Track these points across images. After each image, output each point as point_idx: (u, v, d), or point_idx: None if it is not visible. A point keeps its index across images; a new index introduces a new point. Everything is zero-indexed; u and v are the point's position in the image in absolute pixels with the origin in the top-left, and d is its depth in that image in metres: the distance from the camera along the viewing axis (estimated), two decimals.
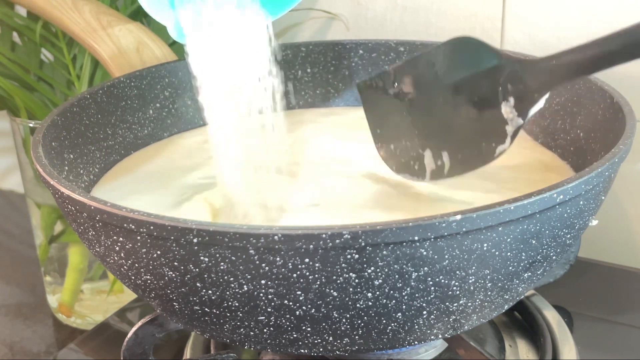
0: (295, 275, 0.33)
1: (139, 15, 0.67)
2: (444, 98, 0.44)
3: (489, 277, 0.35)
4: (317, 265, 0.32)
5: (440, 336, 0.39)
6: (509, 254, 0.35)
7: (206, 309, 0.36)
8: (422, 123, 0.45)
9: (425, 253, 0.32)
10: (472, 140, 0.42)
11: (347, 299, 0.34)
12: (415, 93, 0.45)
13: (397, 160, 0.47)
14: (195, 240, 0.32)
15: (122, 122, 0.54)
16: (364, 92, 0.49)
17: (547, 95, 0.39)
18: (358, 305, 0.34)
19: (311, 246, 0.31)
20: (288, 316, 0.35)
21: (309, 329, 0.36)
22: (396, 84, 0.46)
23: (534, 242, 0.35)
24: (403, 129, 0.46)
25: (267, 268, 0.33)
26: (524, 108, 0.39)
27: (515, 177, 0.47)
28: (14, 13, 0.64)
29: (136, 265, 0.36)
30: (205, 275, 0.34)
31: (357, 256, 0.32)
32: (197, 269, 0.34)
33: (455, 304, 0.36)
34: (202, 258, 0.33)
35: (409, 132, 0.46)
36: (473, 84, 0.42)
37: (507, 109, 0.40)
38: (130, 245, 0.35)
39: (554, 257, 0.38)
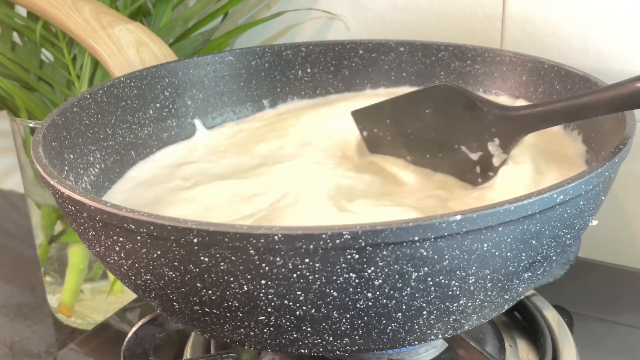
0: (295, 275, 0.33)
1: (139, 15, 0.67)
2: (435, 134, 0.49)
3: (489, 277, 0.35)
4: (317, 265, 0.32)
5: (440, 336, 0.39)
6: (509, 254, 0.35)
7: (206, 309, 0.36)
8: (417, 152, 0.51)
9: (425, 253, 0.32)
10: (462, 169, 0.48)
11: (347, 299, 0.34)
12: (409, 126, 0.50)
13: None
14: (195, 240, 0.32)
15: (122, 122, 0.54)
16: (358, 118, 0.54)
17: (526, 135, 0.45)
18: (358, 305, 0.34)
19: (311, 246, 0.31)
20: (288, 316, 0.35)
21: (309, 329, 0.36)
22: (390, 118, 0.51)
23: (534, 242, 0.35)
24: (398, 150, 0.52)
25: (267, 268, 0.33)
26: (507, 145, 0.45)
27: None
28: (14, 13, 0.64)
29: (136, 265, 0.36)
30: (205, 275, 0.34)
31: (357, 256, 0.32)
32: (197, 269, 0.34)
33: (455, 304, 0.36)
34: (202, 258, 0.33)
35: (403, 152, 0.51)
36: (461, 126, 0.47)
37: (493, 147, 0.46)
38: (130, 245, 0.35)
39: (554, 257, 0.38)
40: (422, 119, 0.49)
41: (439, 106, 0.48)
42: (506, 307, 0.40)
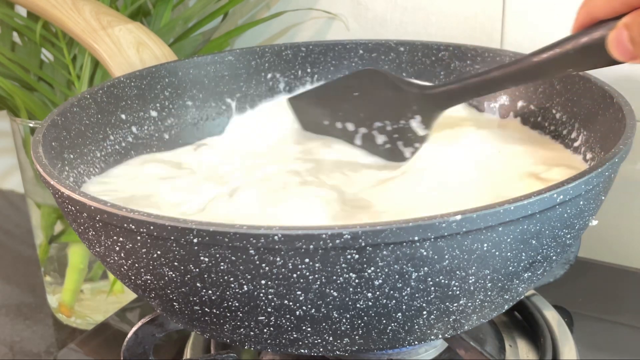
0: (295, 275, 0.33)
1: (139, 15, 0.67)
2: (364, 115, 0.54)
3: (489, 277, 0.35)
4: (317, 265, 0.32)
5: (440, 336, 0.39)
6: (509, 254, 0.35)
7: (206, 309, 0.36)
8: (349, 135, 0.55)
9: (425, 253, 0.32)
10: (390, 144, 0.53)
11: (347, 299, 0.34)
12: (340, 109, 0.55)
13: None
14: (195, 240, 0.32)
15: (122, 122, 0.54)
16: (294, 105, 0.58)
17: (446, 110, 0.50)
18: (358, 305, 0.34)
19: (311, 246, 0.31)
20: (288, 316, 0.35)
21: (309, 329, 0.36)
22: (322, 103, 0.56)
23: (534, 242, 0.35)
24: (335, 131, 0.56)
25: (267, 268, 0.33)
26: (428, 121, 0.50)
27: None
28: (14, 13, 0.64)
29: (136, 265, 0.36)
30: (205, 275, 0.34)
31: (357, 256, 0.32)
32: (197, 269, 0.34)
33: (455, 304, 0.36)
34: (202, 258, 0.33)
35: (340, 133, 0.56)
36: (386, 106, 0.52)
37: (415, 124, 0.51)
38: (130, 245, 0.35)
39: (554, 257, 0.38)
40: (351, 101, 0.54)
41: (365, 89, 0.53)
42: (506, 307, 0.40)
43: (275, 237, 0.31)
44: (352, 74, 0.54)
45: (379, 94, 0.52)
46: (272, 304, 0.34)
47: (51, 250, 0.66)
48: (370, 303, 0.34)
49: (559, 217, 0.35)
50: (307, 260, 0.32)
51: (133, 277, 0.37)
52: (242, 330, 0.37)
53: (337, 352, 0.38)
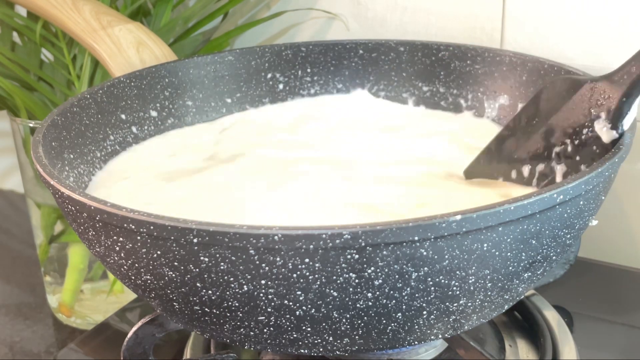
0: (295, 275, 0.33)
1: (139, 15, 0.67)
2: (541, 144, 0.44)
3: (489, 277, 0.35)
4: (317, 265, 0.32)
5: (440, 336, 0.39)
6: (509, 254, 0.35)
7: (206, 309, 0.36)
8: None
9: (425, 253, 0.32)
10: (574, 172, 0.43)
11: (347, 299, 0.34)
12: (516, 150, 0.46)
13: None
14: (195, 240, 0.32)
15: (122, 122, 0.54)
16: (474, 173, 0.49)
17: (637, 102, 0.40)
18: (358, 305, 0.34)
19: (311, 246, 0.31)
20: (288, 316, 0.35)
21: (309, 329, 0.36)
22: (497, 152, 0.47)
23: (534, 242, 0.35)
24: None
25: (267, 268, 0.33)
26: (616, 119, 0.40)
27: None
28: (14, 13, 0.64)
29: (136, 265, 0.36)
30: (205, 275, 0.34)
31: (357, 256, 0.32)
32: (197, 269, 0.34)
33: (455, 304, 0.36)
34: (202, 258, 0.33)
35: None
36: (568, 114, 0.42)
37: (599, 126, 0.40)
38: (130, 245, 0.35)
39: (554, 257, 0.38)
40: (529, 134, 0.45)
41: (543, 109, 0.44)
42: (506, 307, 0.40)
43: (275, 237, 0.31)
44: (530, 99, 0.45)
45: (557, 105, 0.43)
46: (272, 304, 0.34)
47: (51, 250, 0.66)
48: (370, 303, 0.34)
49: (559, 217, 0.35)
50: (307, 260, 0.32)
51: (133, 277, 0.37)
52: (242, 330, 0.37)
53: (337, 352, 0.38)
